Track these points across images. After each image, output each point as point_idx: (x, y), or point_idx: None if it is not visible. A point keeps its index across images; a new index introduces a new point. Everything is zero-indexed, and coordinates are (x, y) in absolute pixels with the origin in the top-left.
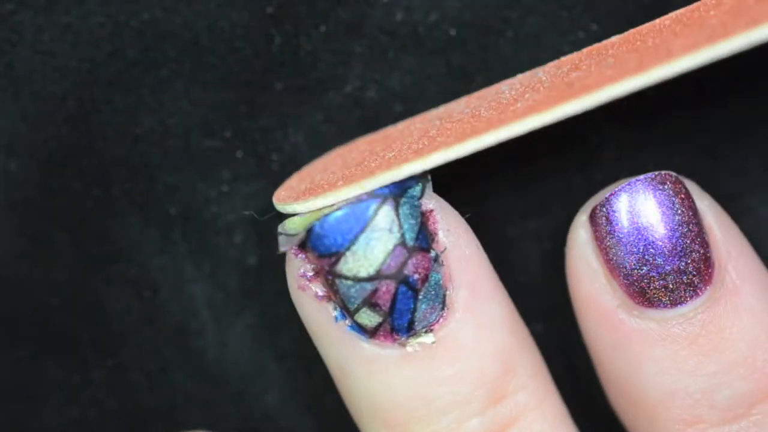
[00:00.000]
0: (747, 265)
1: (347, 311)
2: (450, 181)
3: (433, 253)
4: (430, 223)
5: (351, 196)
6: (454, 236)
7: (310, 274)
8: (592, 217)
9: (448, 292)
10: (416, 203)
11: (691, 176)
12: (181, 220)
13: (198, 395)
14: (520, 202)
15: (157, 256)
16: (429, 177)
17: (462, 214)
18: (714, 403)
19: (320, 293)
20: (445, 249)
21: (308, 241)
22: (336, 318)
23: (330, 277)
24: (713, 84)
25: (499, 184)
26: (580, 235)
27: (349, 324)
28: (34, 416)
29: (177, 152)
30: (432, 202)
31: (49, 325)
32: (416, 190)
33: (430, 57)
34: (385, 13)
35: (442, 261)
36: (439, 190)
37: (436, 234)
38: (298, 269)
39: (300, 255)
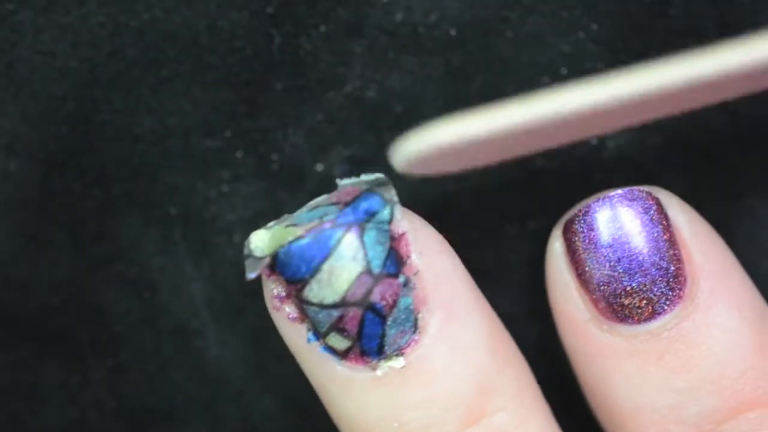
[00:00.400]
0: (722, 280)
1: (318, 333)
2: (449, 181)
3: (402, 278)
4: (401, 246)
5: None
6: (428, 258)
7: (283, 295)
8: (565, 231)
9: (420, 315)
10: (385, 228)
11: (690, 176)
12: (181, 220)
13: (198, 395)
14: (519, 202)
15: (157, 256)
16: (397, 200)
17: (456, 216)
18: (682, 419)
19: (293, 315)
20: (418, 272)
21: (275, 266)
22: (309, 339)
23: (298, 302)
24: None
25: (498, 184)
26: (555, 247)
27: (322, 345)
28: (34, 416)
29: (177, 152)
30: (404, 224)
31: (49, 325)
32: (384, 214)
33: (430, 57)
34: (385, 13)
35: (414, 284)
36: (438, 190)
37: (408, 257)
38: (272, 290)
39: (272, 276)
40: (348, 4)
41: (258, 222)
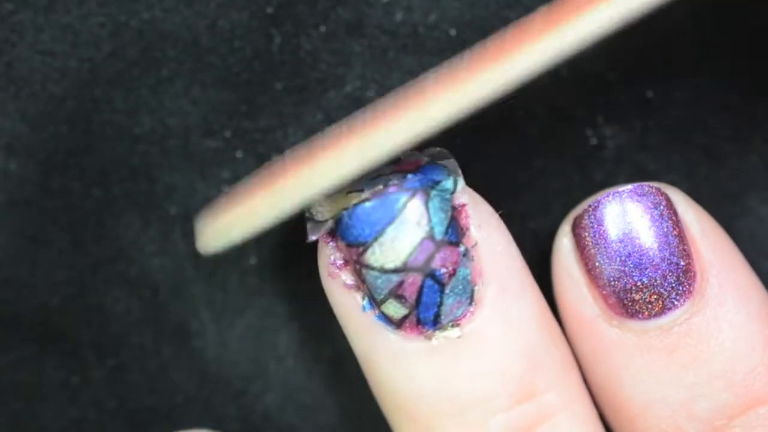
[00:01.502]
0: (731, 276)
1: (374, 301)
2: None
3: (462, 248)
4: (461, 217)
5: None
6: (486, 232)
7: (340, 262)
8: (574, 227)
9: (476, 288)
10: (447, 197)
11: (690, 176)
12: (181, 220)
13: (198, 395)
14: (519, 202)
15: (157, 256)
16: (460, 171)
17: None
18: (693, 415)
19: (349, 282)
20: (476, 244)
21: (337, 230)
22: (364, 307)
23: (358, 267)
24: (713, 84)
25: (498, 184)
26: (564, 243)
27: (377, 314)
28: (34, 416)
29: (177, 152)
30: (465, 196)
31: (49, 325)
32: (448, 183)
33: (430, 57)
34: (385, 13)
35: (472, 256)
36: None
37: (467, 229)
38: (329, 257)
39: (330, 243)
40: (348, 4)
41: None
